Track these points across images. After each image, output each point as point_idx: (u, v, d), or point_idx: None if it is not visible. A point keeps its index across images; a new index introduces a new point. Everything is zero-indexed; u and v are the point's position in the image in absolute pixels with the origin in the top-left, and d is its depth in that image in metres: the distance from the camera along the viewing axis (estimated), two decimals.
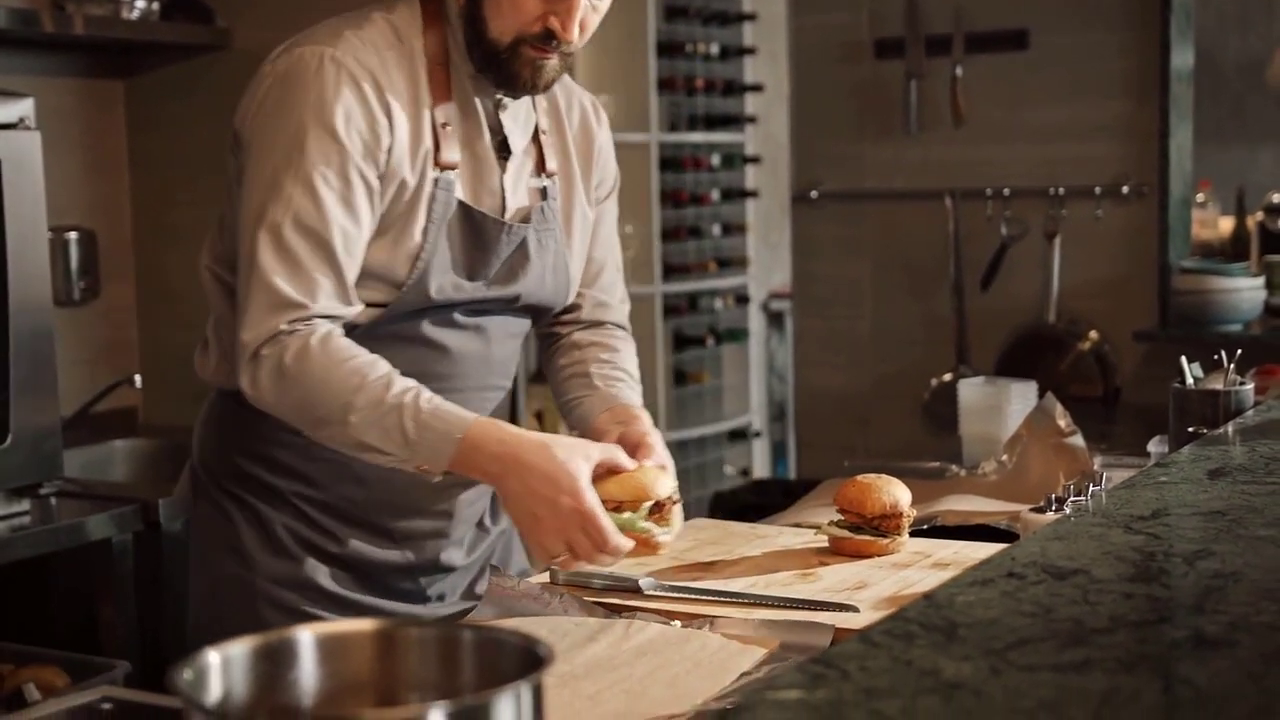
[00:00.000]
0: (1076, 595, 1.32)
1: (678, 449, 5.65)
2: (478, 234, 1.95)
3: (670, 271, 5.51)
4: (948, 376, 4.31)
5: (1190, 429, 2.41)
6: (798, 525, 2.35)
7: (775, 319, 6.82)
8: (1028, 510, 1.88)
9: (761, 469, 6.48)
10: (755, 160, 5.99)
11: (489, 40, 1.89)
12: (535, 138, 2.05)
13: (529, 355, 5.25)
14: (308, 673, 0.99)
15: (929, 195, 4.33)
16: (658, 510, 1.80)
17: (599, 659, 1.70)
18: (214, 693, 0.94)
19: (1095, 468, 2.62)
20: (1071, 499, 1.76)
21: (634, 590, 1.97)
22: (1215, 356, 2.59)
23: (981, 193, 4.25)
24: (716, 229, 5.77)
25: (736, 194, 5.89)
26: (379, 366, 1.80)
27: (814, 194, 4.53)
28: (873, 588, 1.97)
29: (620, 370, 2.12)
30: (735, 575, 2.05)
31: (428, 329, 1.96)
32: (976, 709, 1.05)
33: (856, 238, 4.51)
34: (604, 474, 1.80)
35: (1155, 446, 2.59)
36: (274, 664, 0.98)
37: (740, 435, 6.12)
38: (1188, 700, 1.05)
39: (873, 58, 4.48)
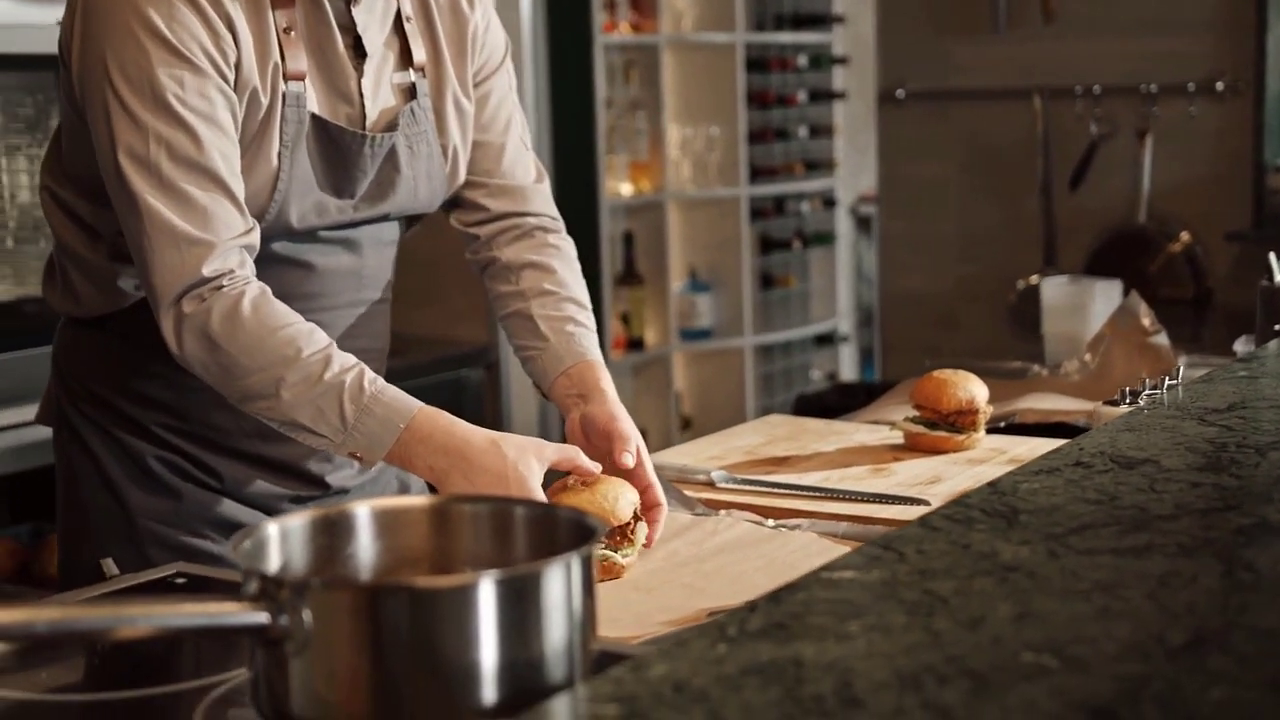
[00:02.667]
0: (1143, 484, 1.31)
1: (763, 354, 5.65)
2: (338, 151, 1.75)
3: (756, 174, 5.47)
4: (1034, 279, 4.25)
5: (1277, 327, 2.37)
6: (875, 422, 2.35)
7: (863, 223, 6.75)
8: (1102, 404, 1.86)
9: (849, 373, 6.45)
10: (843, 61, 5.91)
11: None
12: (398, 26, 1.82)
13: (616, 258, 5.26)
14: (364, 546, 1.00)
15: (1017, 94, 4.26)
16: (619, 531, 1.63)
17: (677, 554, 1.70)
18: (273, 563, 0.96)
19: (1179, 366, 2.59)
20: (1147, 392, 1.74)
21: (707, 484, 1.98)
22: None
23: (1071, 91, 4.17)
24: (804, 131, 5.71)
25: (824, 95, 5.82)
26: (316, 338, 1.63)
27: (900, 94, 4.47)
28: (946, 482, 1.97)
29: (566, 302, 1.91)
30: (808, 470, 2.05)
31: (288, 247, 1.78)
32: (1031, 589, 1.04)
33: (943, 138, 4.45)
34: (559, 487, 1.65)
35: (1241, 345, 2.54)
36: (331, 537, 0.99)
37: (827, 340, 6.09)
38: (1247, 584, 1.05)
39: None
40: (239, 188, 1.66)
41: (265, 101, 1.70)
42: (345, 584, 0.94)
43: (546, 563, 0.91)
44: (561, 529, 1.00)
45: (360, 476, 1.95)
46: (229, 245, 1.63)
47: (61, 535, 1.92)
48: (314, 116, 1.73)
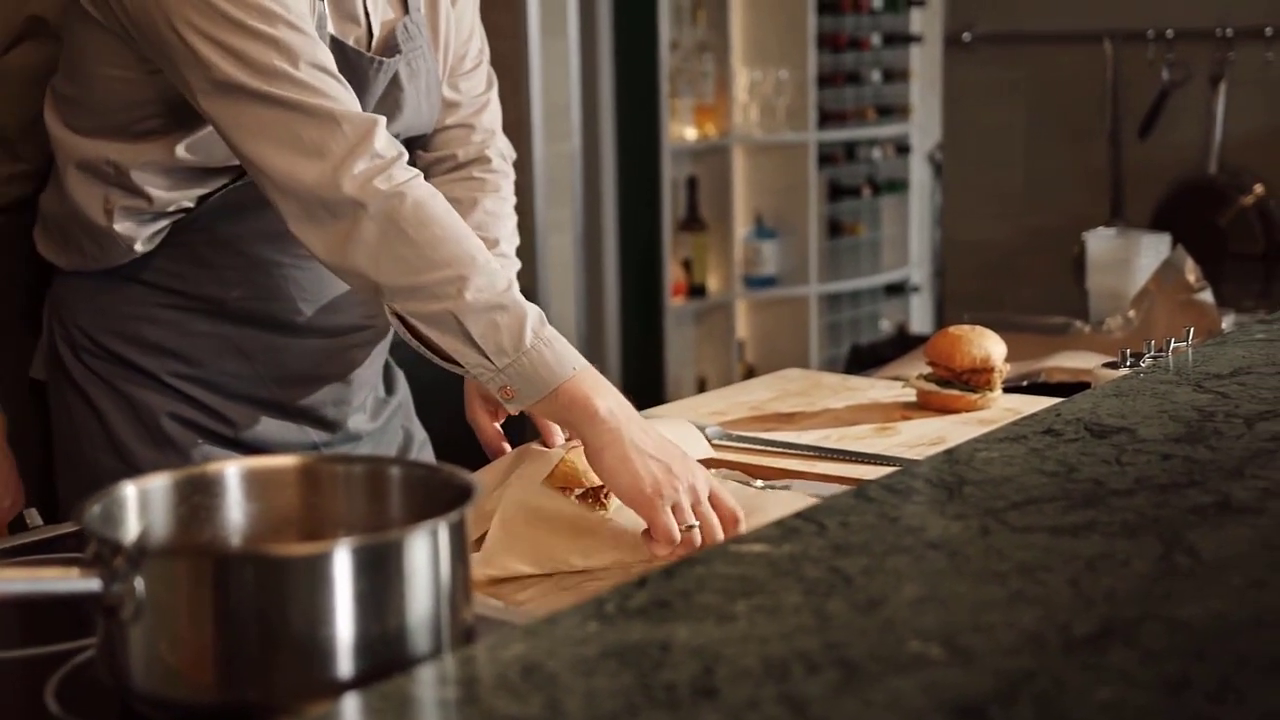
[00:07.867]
0: (1109, 455, 1.23)
1: (829, 302, 5.55)
2: (351, 74, 1.65)
3: (826, 119, 5.37)
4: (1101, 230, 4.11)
5: None
6: (895, 379, 2.27)
7: (941, 170, 6.62)
8: (1100, 366, 1.77)
9: (922, 324, 6.33)
10: (919, 3, 5.77)
11: None
12: None
13: (678, 203, 5.18)
14: (233, 508, 0.95)
15: (1086, 37, 4.11)
16: (593, 495, 1.57)
17: None
18: (130, 527, 0.92)
19: (1225, 326, 2.48)
20: (1151, 355, 1.65)
21: None
22: None
23: (1142, 34, 4.01)
24: (877, 75, 5.59)
25: (899, 39, 5.69)
26: (486, 248, 1.56)
27: (966, 36, 4.33)
28: (952, 444, 1.89)
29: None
30: (812, 427, 1.98)
31: None
32: (946, 570, 0.98)
33: (1010, 82, 4.31)
34: (525, 449, 1.60)
35: None
36: (198, 499, 0.95)
37: (897, 289, 5.98)
38: (1182, 569, 0.97)
39: None
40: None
41: None
42: (182, 551, 0.89)
43: (407, 530, 0.86)
44: (440, 491, 0.94)
45: (371, 423, 1.91)
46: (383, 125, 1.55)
47: (62, 494, 1.82)
48: (333, 39, 1.66)
